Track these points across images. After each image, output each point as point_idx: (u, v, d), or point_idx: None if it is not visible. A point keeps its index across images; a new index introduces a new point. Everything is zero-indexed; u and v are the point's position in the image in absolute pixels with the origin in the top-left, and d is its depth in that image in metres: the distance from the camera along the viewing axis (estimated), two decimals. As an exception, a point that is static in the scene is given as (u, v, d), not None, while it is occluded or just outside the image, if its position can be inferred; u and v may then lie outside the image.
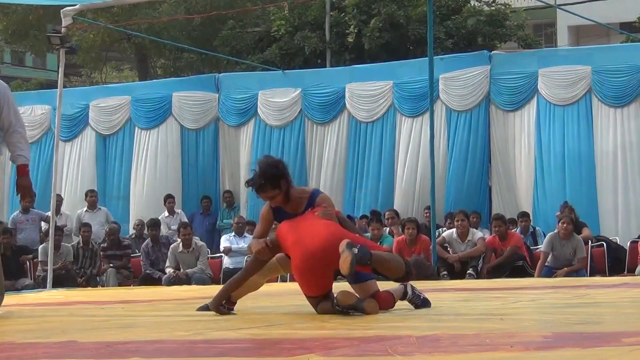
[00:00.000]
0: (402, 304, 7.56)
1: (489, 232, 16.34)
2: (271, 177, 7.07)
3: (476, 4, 25.56)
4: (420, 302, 7.43)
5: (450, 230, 15.43)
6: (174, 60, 29.24)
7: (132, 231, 18.32)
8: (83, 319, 7.87)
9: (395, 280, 7.03)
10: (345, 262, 6.63)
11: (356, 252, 6.63)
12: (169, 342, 5.67)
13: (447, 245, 15.21)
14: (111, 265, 16.45)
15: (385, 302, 7.31)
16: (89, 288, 15.22)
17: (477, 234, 15.33)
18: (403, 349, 4.84)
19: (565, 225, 14.31)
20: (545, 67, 17.13)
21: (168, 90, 19.92)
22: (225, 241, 16.86)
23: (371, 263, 6.78)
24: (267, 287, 8.39)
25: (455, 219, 15.34)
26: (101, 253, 16.70)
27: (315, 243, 6.92)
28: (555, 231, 14.53)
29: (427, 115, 16.14)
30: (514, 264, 14.74)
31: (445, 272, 14.52)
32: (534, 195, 16.99)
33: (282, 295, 7.11)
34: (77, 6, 14.62)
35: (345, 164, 18.40)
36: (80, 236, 16.75)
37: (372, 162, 18.10)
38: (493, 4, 25.60)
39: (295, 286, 7.53)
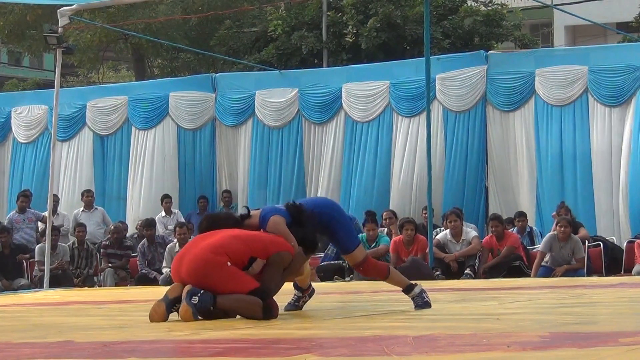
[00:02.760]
0: (400, 305, 7.56)
1: (484, 230, 16.40)
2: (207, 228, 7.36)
3: (473, 4, 25.57)
4: (422, 304, 7.45)
5: (444, 232, 15.45)
6: (170, 60, 29.21)
7: (133, 231, 18.31)
8: (80, 319, 7.86)
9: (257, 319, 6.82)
10: (185, 315, 6.79)
11: (196, 302, 6.77)
12: (166, 342, 5.66)
13: (443, 246, 15.22)
14: (110, 265, 16.43)
15: (373, 268, 7.47)
16: (86, 288, 15.20)
17: (471, 233, 15.34)
18: (400, 349, 4.84)
19: (563, 228, 14.32)
20: (542, 67, 17.12)
21: (165, 90, 19.91)
22: (222, 241, 16.84)
23: (215, 308, 6.85)
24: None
25: (448, 219, 15.36)
26: (102, 251, 16.66)
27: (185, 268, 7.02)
28: (554, 232, 14.53)
29: (424, 115, 16.14)
30: (511, 264, 14.76)
31: (439, 272, 14.52)
32: (537, 195, 16.99)
33: (279, 296, 7.09)
34: (74, 6, 14.60)
35: (341, 164, 18.39)
36: (75, 236, 16.71)
37: (369, 161, 18.09)
38: (490, 4, 25.60)
39: (289, 286, 7.54)
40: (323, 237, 8.16)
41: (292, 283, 7.68)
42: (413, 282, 7.66)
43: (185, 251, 7.24)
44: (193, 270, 6.92)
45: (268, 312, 6.82)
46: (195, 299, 6.78)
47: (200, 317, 6.83)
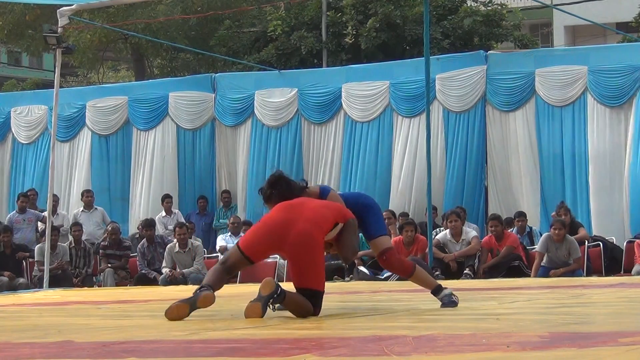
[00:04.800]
0: (400, 305, 7.55)
1: (484, 230, 16.41)
2: (277, 193, 7.46)
3: (472, 4, 25.57)
4: (448, 302, 7.50)
5: (444, 232, 15.46)
6: (170, 60, 29.21)
7: (134, 231, 18.30)
8: (79, 319, 7.86)
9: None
10: (253, 314, 6.88)
11: (270, 307, 6.88)
12: (166, 342, 5.66)
13: (442, 246, 15.23)
14: (109, 265, 16.43)
15: (397, 262, 7.56)
16: (85, 288, 15.20)
17: (471, 233, 15.37)
18: (399, 349, 4.84)
19: (557, 231, 14.33)
20: (542, 67, 17.13)
21: (164, 90, 19.92)
22: (221, 241, 16.86)
23: (280, 305, 6.98)
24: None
25: (448, 219, 15.38)
26: (100, 251, 16.67)
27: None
28: (549, 233, 14.54)
29: (424, 116, 16.14)
30: (510, 264, 14.78)
31: (438, 272, 14.53)
32: (541, 195, 16.99)
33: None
34: (73, 6, 14.60)
35: (341, 164, 18.40)
36: (71, 236, 16.71)
37: (369, 162, 18.10)
38: (489, 4, 25.60)
39: (289, 286, 7.55)
40: None
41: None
42: (445, 288, 7.63)
43: (290, 217, 7.13)
44: (302, 244, 7.00)
45: (312, 315, 7.05)
46: (271, 303, 6.90)
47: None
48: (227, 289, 7.41)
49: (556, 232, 14.32)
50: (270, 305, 6.89)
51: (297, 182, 7.61)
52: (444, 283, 10.62)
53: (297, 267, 7.10)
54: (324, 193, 7.57)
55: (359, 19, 23.89)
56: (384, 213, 16.29)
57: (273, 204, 7.44)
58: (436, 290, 7.60)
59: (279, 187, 7.47)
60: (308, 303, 7.03)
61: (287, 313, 7.33)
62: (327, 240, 7.25)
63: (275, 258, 14.67)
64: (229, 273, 7.44)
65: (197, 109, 19.57)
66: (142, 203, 19.44)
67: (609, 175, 16.53)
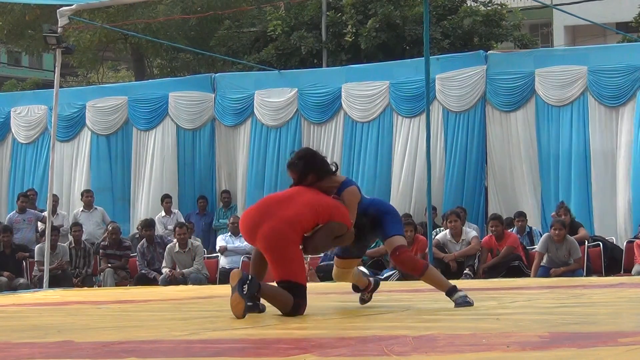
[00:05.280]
0: (400, 305, 7.55)
1: (483, 230, 16.41)
2: (303, 164, 7.49)
3: (472, 4, 25.56)
4: (462, 302, 7.48)
5: (444, 232, 15.46)
6: (170, 60, 29.21)
7: (135, 231, 18.30)
8: (79, 319, 7.86)
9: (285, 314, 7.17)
10: (237, 308, 6.99)
11: (245, 292, 6.97)
12: (166, 342, 5.66)
13: (442, 246, 15.23)
14: (109, 265, 16.43)
15: (410, 260, 7.60)
16: (85, 288, 15.20)
17: (471, 233, 15.37)
18: (399, 349, 4.84)
19: (557, 231, 14.33)
20: (542, 67, 17.13)
21: (164, 90, 19.92)
22: (221, 241, 16.86)
23: (258, 294, 7.13)
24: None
25: (448, 220, 15.38)
26: (100, 251, 16.67)
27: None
28: (549, 233, 14.54)
29: (424, 116, 16.12)
30: (510, 264, 14.78)
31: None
32: (541, 196, 16.99)
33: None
34: (73, 6, 14.59)
35: (341, 164, 18.39)
36: (72, 235, 16.71)
37: (369, 162, 18.09)
38: (489, 4, 25.60)
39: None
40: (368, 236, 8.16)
41: (351, 286, 8.01)
42: (460, 290, 7.62)
43: (267, 210, 7.33)
44: (270, 239, 7.17)
45: (296, 309, 7.08)
46: (245, 288, 6.99)
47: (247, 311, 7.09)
48: (227, 289, 7.40)
49: (556, 232, 14.32)
50: (245, 288, 6.99)
51: (327, 163, 7.61)
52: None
53: (270, 260, 7.24)
54: (342, 187, 7.55)
55: (359, 19, 23.89)
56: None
57: (294, 174, 7.54)
58: (450, 292, 7.56)
59: (304, 160, 7.51)
60: (286, 293, 7.11)
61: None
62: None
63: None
64: (258, 257, 7.55)
65: (197, 109, 19.56)
66: (144, 203, 19.45)
67: (608, 176, 16.52)
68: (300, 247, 7.29)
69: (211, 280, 16.02)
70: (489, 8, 25.34)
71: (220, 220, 18.87)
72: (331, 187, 7.53)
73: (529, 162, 17.14)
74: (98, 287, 16.15)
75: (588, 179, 16.68)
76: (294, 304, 7.08)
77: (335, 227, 7.34)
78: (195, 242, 16.29)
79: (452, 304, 7.50)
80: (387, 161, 18.01)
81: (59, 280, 15.39)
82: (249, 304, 7.05)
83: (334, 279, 7.96)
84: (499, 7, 25.52)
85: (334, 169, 7.63)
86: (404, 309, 7.62)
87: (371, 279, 8.11)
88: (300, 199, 7.32)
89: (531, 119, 17.16)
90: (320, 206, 7.33)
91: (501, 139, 17.39)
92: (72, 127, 20.20)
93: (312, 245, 7.33)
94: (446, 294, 7.59)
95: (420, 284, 8.48)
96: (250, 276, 7.08)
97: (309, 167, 7.47)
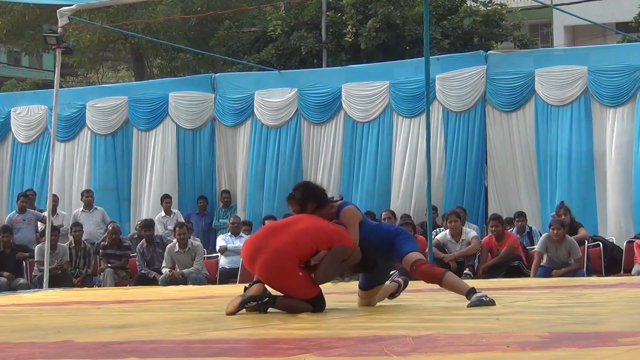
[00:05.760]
0: (400, 305, 7.54)
1: (484, 230, 16.40)
2: (301, 193, 7.79)
3: (472, 4, 25.56)
4: (477, 302, 7.49)
5: (444, 232, 15.46)
6: (170, 60, 29.22)
7: (133, 231, 18.30)
8: (79, 319, 7.86)
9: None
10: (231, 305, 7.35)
11: (252, 305, 7.31)
12: (165, 342, 5.66)
13: (442, 246, 15.23)
14: (109, 265, 16.43)
15: (427, 270, 7.60)
16: (85, 288, 15.20)
17: (471, 233, 15.37)
18: (399, 349, 4.84)
19: (556, 231, 14.32)
20: (542, 67, 17.12)
21: (164, 91, 19.91)
22: (221, 241, 16.86)
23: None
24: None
25: (448, 220, 15.37)
26: (100, 251, 16.66)
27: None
28: (549, 233, 14.53)
29: (424, 116, 16.11)
30: (510, 264, 14.77)
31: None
32: (535, 195, 16.99)
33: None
34: (73, 6, 14.59)
35: (341, 165, 18.39)
36: (72, 236, 16.71)
37: (369, 162, 18.09)
38: (489, 4, 25.60)
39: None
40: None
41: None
42: (478, 291, 7.62)
43: (261, 243, 7.54)
44: (267, 272, 7.40)
45: (317, 311, 7.35)
46: (253, 304, 7.34)
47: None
48: (227, 289, 7.41)
49: (555, 232, 14.32)
50: (247, 305, 7.29)
51: (322, 193, 7.82)
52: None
53: (277, 290, 7.48)
54: (339, 210, 7.73)
55: (359, 19, 23.89)
56: (383, 213, 16.38)
57: (292, 206, 7.81)
58: (468, 294, 7.57)
59: (302, 189, 7.80)
60: (302, 303, 7.35)
61: (285, 314, 7.33)
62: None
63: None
64: None
65: (197, 109, 19.56)
66: (145, 203, 19.46)
67: (608, 176, 16.51)
68: (304, 273, 7.43)
69: (211, 280, 16.02)
70: (489, 8, 25.35)
71: (220, 220, 18.87)
72: (331, 214, 7.70)
73: (529, 162, 17.13)
74: (98, 287, 16.15)
75: (588, 179, 16.67)
76: (313, 310, 7.34)
77: (339, 252, 7.47)
78: (195, 242, 16.28)
79: (456, 306, 7.52)
80: (387, 161, 18.01)
81: (59, 280, 15.39)
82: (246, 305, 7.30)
83: (359, 306, 7.99)
84: (499, 7, 25.53)
85: (335, 199, 7.89)
86: (404, 309, 7.62)
87: (400, 279, 8.27)
88: (297, 226, 7.53)
89: (531, 119, 17.16)
90: (318, 232, 7.47)
91: (501, 139, 17.39)
92: (72, 127, 20.19)
93: (321, 275, 7.47)
94: (466, 297, 7.58)
95: (420, 284, 8.48)
96: (266, 296, 7.37)
97: (307, 196, 7.71)
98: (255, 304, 7.31)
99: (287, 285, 7.39)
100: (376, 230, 7.84)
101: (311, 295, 7.38)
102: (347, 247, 7.50)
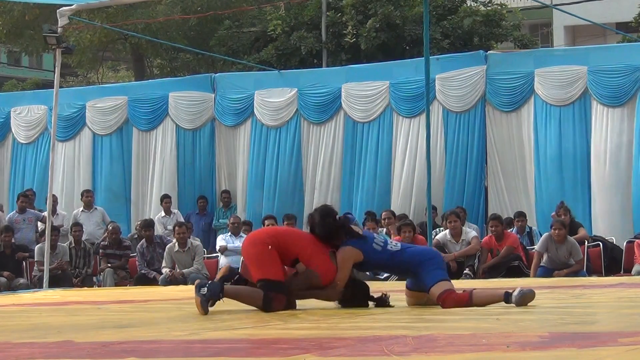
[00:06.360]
0: (400, 305, 7.53)
1: (484, 230, 16.40)
2: (310, 221, 8.05)
3: (472, 4, 25.56)
4: (519, 298, 7.49)
5: (444, 232, 15.45)
6: (170, 60, 29.21)
7: (133, 231, 18.30)
8: (79, 319, 7.86)
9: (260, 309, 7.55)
10: (196, 304, 7.51)
11: (205, 293, 7.44)
12: (165, 342, 5.67)
13: (442, 246, 15.21)
14: (109, 265, 16.42)
15: (452, 301, 7.53)
16: (85, 288, 15.20)
17: (471, 233, 15.36)
18: (399, 349, 4.84)
19: (557, 231, 14.31)
20: (542, 67, 17.13)
21: (164, 91, 19.91)
22: (221, 241, 16.86)
23: (223, 296, 7.53)
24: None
25: (448, 220, 15.36)
26: (100, 251, 16.66)
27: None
28: (550, 233, 14.52)
29: (424, 116, 16.10)
30: (510, 264, 14.76)
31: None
32: (535, 195, 16.99)
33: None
34: (73, 6, 14.59)
35: (341, 164, 18.39)
36: (72, 236, 16.70)
37: (369, 162, 18.09)
38: (489, 4, 25.59)
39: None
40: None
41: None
42: (510, 290, 7.61)
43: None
44: (244, 246, 7.87)
45: (267, 303, 7.42)
46: (204, 290, 7.46)
47: (210, 307, 7.50)
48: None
49: (556, 232, 14.30)
50: (204, 290, 7.51)
51: (330, 228, 7.85)
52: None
53: (248, 265, 7.80)
54: (340, 246, 7.86)
55: (358, 19, 23.88)
56: (383, 213, 16.38)
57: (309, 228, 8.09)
58: (507, 300, 7.54)
59: (311, 219, 8.01)
60: (252, 289, 7.58)
61: (286, 313, 7.33)
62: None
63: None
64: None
65: (197, 109, 19.56)
66: (148, 204, 19.47)
67: (609, 176, 16.51)
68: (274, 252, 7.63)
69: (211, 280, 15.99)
70: (489, 8, 25.34)
71: (220, 220, 18.87)
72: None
73: (529, 162, 17.13)
74: (98, 287, 16.15)
75: (587, 179, 16.67)
76: (263, 297, 7.43)
77: (310, 276, 7.64)
78: (195, 241, 16.28)
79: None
80: (387, 161, 18.01)
81: (59, 280, 15.38)
82: (209, 307, 7.49)
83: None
84: (499, 7, 25.52)
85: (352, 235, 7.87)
86: (404, 309, 7.62)
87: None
88: (290, 229, 8.32)
89: (531, 119, 17.16)
90: (305, 243, 7.74)
91: (501, 139, 17.39)
92: (72, 127, 20.20)
93: (286, 283, 7.63)
94: (506, 304, 7.54)
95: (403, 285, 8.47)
96: (210, 281, 7.71)
97: (312, 226, 7.93)
98: (207, 291, 7.44)
99: (255, 258, 7.61)
100: (397, 257, 7.81)
101: (270, 276, 7.51)
102: (318, 276, 7.63)
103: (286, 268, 7.76)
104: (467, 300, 7.58)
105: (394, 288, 7.85)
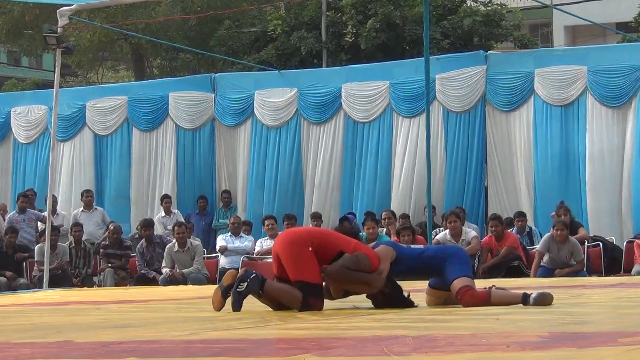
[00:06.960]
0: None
1: (484, 230, 16.40)
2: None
3: (472, 4, 25.56)
4: (538, 300, 7.51)
5: (444, 232, 15.45)
6: (170, 60, 29.22)
7: (134, 231, 18.30)
8: (79, 319, 7.86)
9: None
10: (214, 301, 7.53)
11: (242, 290, 7.37)
12: (165, 342, 5.66)
13: (442, 246, 15.23)
14: (109, 265, 16.43)
15: (471, 297, 7.55)
16: (85, 288, 15.20)
17: (470, 233, 15.36)
18: (399, 349, 4.84)
19: (559, 232, 14.31)
20: (542, 67, 17.13)
21: (164, 91, 19.92)
22: (221, 241, 16.86)
23: (262, 293, 7.49)
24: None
25: (447, 220, 15.36)
26: (101, 251, 16.67)
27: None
28: (551, 233, 14.52)
29: (424, 116, 16.11)
30: (510, 264, 14.77)
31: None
32: (534, 195, 16.99)
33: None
34: (73, 6, 14.59)
35: (341, 164, 18.40)
36: (72, 236, 16.71)
37: (369, 162, 18.09)
38: (489, 4, 25.60)
39: None
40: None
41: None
42: (527, 292, 7.61)
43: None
44: (281, 242, 7.67)
45: (305, 307, 7.39)
46: (243, 286, 7.36)
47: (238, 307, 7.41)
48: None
49: (558, 232, 14.30)
50: (243, 285, 7.37)
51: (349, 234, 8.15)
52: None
53: (284, 261, 7.56)
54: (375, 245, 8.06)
55: (358, 19, 23.88)
56: (383, 213, 16.38)
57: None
58: (524, 302, 7.55)
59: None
60: (293, 289, 7.44)
61: (286, 312, 7.33)
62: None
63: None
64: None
65: (197, 109, 19.56)
66: (150, 204, 19.48)
67: (608, 176, 16.51)
68: (313, 254, 7.53)
69: (211, 281, 15.99)
70: (489, 8, 25.35)
71: (220, 220, 18.87)
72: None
73: (529, 162, 17.13)
74: (98, 287, 16.15)
75: (588, 179, 16.67)
76: (302, 301, 7.36)
77: (361, 258, 7.55)
78: (195, 241, 16.28)
79: (455, 305, 7.52)
80: (387, 161, 18.01)
81: (59, 280, 15.39)
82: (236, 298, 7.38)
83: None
84: (499, 7, 25.53)
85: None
86: (404, 309, 7.62)
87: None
88: (325, 230, 8.18)
89: (531, 119, 17.16)
90: (347, 240, 7.73)
91: (501, 139, 17.39)
92: (72, 127, 20.20)
93: (338, 265, 7.50)
94: (523, 305, 7.54)
95: (420, 284, 8.47)
96: (253, 274, 7.43)
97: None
98: (245, 287, 7.33)
99: (292, 257, 7.48)
100: (423, 256, 7.86)
101: (309, 279, 7.42)
102: (369, 261, 7.56)
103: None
104: (485, 299, 7.62)
105: (411, 287, 7.88)
